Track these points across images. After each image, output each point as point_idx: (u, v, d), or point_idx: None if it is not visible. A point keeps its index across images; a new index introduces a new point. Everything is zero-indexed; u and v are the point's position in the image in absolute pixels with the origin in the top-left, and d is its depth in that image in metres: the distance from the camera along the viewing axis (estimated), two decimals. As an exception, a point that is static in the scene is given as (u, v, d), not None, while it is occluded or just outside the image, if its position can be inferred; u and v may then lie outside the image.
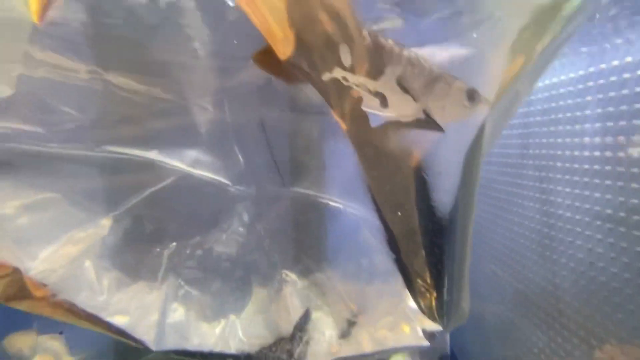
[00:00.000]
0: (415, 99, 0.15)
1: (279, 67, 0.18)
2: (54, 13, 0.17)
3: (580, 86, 0.36)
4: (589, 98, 0.35)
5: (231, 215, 0.31)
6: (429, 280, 0.18)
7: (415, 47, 0.16)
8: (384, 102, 0.15)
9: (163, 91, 0.25)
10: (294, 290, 0.28)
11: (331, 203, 0.31)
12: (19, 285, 0.18)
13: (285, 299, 0.28)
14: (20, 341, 0.35)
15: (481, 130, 0.15)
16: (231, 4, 0.18)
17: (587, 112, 0.36)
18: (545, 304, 0.39)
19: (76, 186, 0.23)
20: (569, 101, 0.38)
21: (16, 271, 0.18)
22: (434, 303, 0.19)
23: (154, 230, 0.27)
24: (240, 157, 0.30)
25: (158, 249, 0.27)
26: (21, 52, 0.18)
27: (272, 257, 0.31)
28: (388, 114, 0.15)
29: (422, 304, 0.20)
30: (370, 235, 0.29)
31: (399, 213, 0.17)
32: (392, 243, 0.19)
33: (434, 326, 0.20)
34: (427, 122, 0.15)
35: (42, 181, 0.21)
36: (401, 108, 0.15)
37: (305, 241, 0.32)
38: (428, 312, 0.20)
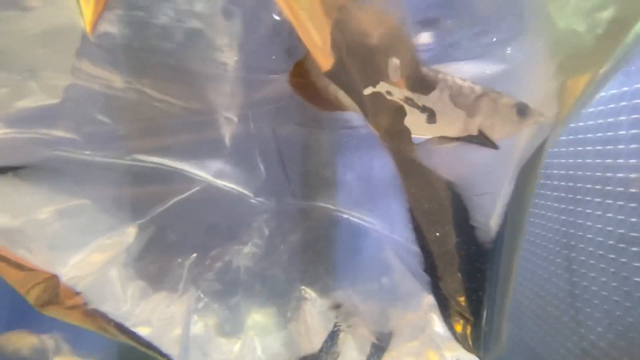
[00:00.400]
0: (469, 115, 0.14)
1: (314, 93, 0.18)
2: (100, 27, 0.18)
3: (612, 105, 0.35)
4: (622, 118, 0.34)
5: (251, 228, 0.31)
6: (465, 306, 0.17)
7: (453, 63, 0.16)
8: (431, 117, 0.14)
9: (192, 102, 0.25)
10: (313, 309, 0.27)
11: (352, 219, 0.31)
12: (54, 292, 0.18)
13: (305, 318, 0.27)
14: (16, 341, 0.33)
15: (541, 148, 0.14)
16: (277, 18, 0.18)
17: (621, 132, 0.35)
18: (572, 334, 0.37)
19: (105, 194, 0.23)
20: (600, 121, 0.37)
21: (54, 277, 0.18)
22: (469, 331, 0.18)
23: (176, 240, 0.27)
24: (262, 169, 0.30)
25: (179, 260, 0.26)
26: (68, 62, 0.18)
27: (291, 273, 0.31)
28: (434, 131, 0.15)
29: (456, 331, 0.19)
30: (392, 254, 0.28)
31: (437, 233, 0.16)
32: (429, 265, 0.18)
33: (468, 356, 0.19)
34: (480, 139, 0.14)
35: (75, 187, 0.22)
36: (451, 124, 0.14)
37: (325, 257, 0.31)
38: (462, 340, 0.19)
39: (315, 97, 0.20)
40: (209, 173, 0.28)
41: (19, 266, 0.18)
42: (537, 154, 0.14)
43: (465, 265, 0.16)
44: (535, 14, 0.13)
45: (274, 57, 0.22)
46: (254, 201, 0.30)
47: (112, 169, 0.23)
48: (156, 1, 0.19)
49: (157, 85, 0.23)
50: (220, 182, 0.29)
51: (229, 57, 0.24)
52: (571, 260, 0.38)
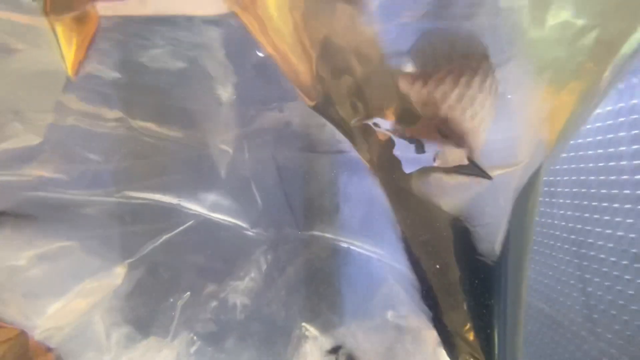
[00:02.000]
0: (457, 145, 0.14)
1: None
2: (87, 66, 0.18)
3: (610, 122, 0.35)
4: (622, 134, 0.34)
5: (248, 262, 0.29)
6: (474, 345, 0.16)
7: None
8: (419, 148, 0.14)
9: (185, 136, 0.25)
10: (315, 348, 0.26)
11: (353, 248, 0.30)
12: (22, 351, 0.17)
13: (306, 358, 0.25)
14: None
15: (536, 174, 0.13)
16: (260, 55, 0.18)
17: (622, 148, 0.35)
18: (591, 349, 0.35)
19: (93, 233, 0.22)
20: (599, 137, 0.37)
21: (22, 335, 0.17)
22: (481, 372, 0.16)
23: (168, 279, 0.25)
24: (258, 200, 0.29)
25: (171, 300, 0.25)
26: (53, 102, 0.18)
27: (290, 309, 0.29)
28: (425, 161, 0.14)
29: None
30: (397, 285, 0.27)
31: (437, 266, 0.15)
32: (430, 299, 0.17)
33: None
34: (471, 169, 0.14)
35: (59, 229, 0.21)
36: (441, 154, 0.14)
37: (326, 291, 0.29)
38: (475, 382, 0.17)
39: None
40: (204, 206, 0.27)
41: (-18, 324, 0.16)
42: (532, 182, 0.14)
43: (470, 302, 0.15)
44: (519, 44, 0.13)
45: (265, 90, 0.22)
46: (250, 233, 0.29)
47: (101, 208, 0.22)
48: (146, 37, 0.19)
49: (148, 120, 0.22)
50: (216, 215, 0.28)
51: (223, 90, 0.24)
52: (583, 280, 0.37)
